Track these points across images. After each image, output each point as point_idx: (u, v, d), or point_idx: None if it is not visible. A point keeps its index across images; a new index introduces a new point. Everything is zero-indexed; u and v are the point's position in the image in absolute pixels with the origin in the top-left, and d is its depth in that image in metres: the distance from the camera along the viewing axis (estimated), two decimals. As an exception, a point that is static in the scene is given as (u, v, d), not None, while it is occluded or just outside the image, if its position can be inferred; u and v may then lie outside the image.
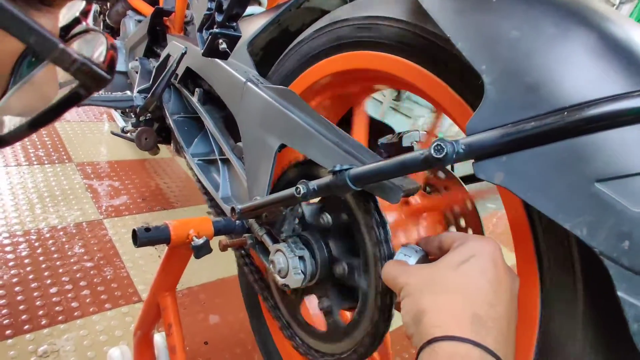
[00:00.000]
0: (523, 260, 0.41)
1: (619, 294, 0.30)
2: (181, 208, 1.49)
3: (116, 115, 1.31)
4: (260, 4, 1.00)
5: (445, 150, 0.34)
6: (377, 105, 2.88)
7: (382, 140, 0.74)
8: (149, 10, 1.12)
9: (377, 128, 0.76)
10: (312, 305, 0.68)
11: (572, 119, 0.31)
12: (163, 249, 1.28)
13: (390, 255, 0.47)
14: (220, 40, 0.57)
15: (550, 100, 0.33)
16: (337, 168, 0.43)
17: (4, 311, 0.95)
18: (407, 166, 0.38)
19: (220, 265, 1.25)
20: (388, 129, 0.79)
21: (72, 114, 1.90)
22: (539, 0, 0.37)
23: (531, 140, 0.33)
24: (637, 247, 0.29)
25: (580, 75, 0.33)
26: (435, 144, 0.35)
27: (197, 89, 0.83)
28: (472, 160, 0.36)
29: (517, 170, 0.33)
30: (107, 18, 1.36)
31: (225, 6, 0.55)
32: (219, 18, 0.56)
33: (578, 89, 0.32)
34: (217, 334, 1.04)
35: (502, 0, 0.38)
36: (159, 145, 1.10)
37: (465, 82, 0.43)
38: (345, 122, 0.74)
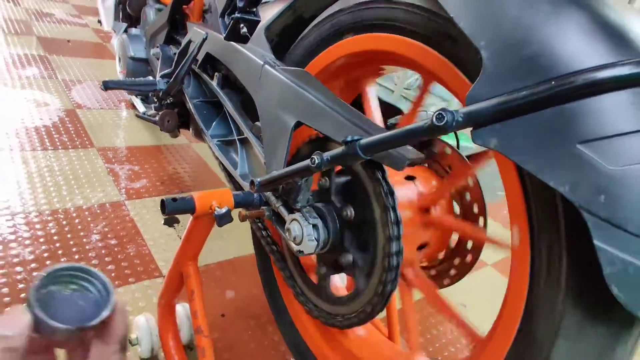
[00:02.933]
0: (515, 218, 0.45)
1: (595, 242, 0.34)
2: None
3: (137, 101, 1.37)
4: (275, -8, 1.04)
5: (445, 119, 0.39)
6: (388, 93, 2.90)
7: (392, 120, 0.78)
8: (168, -2, 1.16)
9: (388, 110, 0.81)
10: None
11: (559, 87, 0.35)
12: (181, 229, 1.35)
13: (397, 221, 0.52)
14: (241, 25, 0.61)
15: (541, 71, 0.37)
16: (349, 139, 0.47)
17: (37, 282, 1.02)
18: (412, 134, 0.42)
19: (235, 244, 1.31)
20: (397, 111, 0.83)
21: (92, 101, 1.97)
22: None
23: (523, 108, 0.37)
24: (612, 201, 0.33)
25: (569, 49, 0.37)
26: (436, 113, 0.39)
27: (216, 74, 0.88)
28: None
29: (510, 136, 0.37)
30: (127, 7, 1.42)
31: (246, -8, 0.59)
32: (240, 4, 0.60)
33: (566, 61, 0.36)
34: (233, 308, 1.10)
35: (501, -17, 0.41)
36: (179, 130, 1.16)
37: (465, 58, 0.47)
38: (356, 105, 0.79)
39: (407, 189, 0.63)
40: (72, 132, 1.69)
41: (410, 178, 0.66)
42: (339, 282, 0.88)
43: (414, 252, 0.66)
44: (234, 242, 1.33)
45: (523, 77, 0.37)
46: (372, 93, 0.68)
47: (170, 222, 1.34)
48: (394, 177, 0.61)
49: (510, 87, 0.38)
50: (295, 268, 0.70)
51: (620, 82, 0.35)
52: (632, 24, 0.39)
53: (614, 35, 0.37)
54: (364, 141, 0.46)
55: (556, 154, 0.35)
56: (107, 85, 0.92)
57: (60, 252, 1.13)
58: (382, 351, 0.77)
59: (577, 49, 0.36)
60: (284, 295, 0.83)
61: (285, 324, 0.82)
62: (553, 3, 0.38)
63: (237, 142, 0.84)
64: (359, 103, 0.79)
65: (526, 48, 0.38)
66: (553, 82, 0.35)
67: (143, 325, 0.88)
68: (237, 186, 0.82)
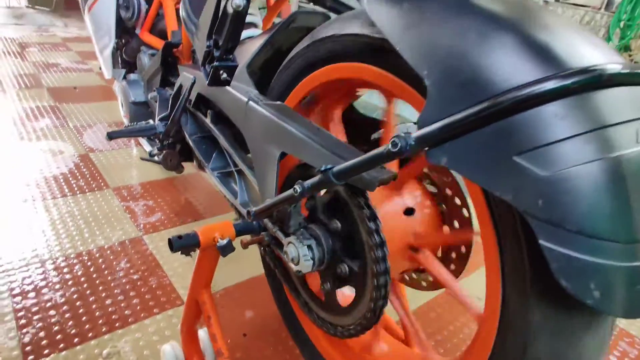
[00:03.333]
0: (483, 225, 0.49)
1: (540, 241, 0.38)
2: (210, 218, 1.62)
3: (143, 141, 1.45)
4: (256, 26, 1.10)
5: (399, 145, 0.43)
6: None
7: (375, 135, 0.83)
8: (159, 44, 1.24)
9: (373, 125, 0.85)
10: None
11: (492, 107, 0.39)
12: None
13: (382, 243, 0.56)
14: (221, 72, 0.67)
15: (475, 94, 0.41)
16: (323, 168, 0.52)
17: (70, 323, 1.10)
18: (375, 160, 0.47)
19: (250, 265, 1.37)
20: (381, 125, 0.88)
21: (104, 143, 2.08)
22: (464, 12, 0.45)
23: (464, 128, 0.41)
24: (549, 203, 0.37)
25: (498, 71, 0.41)
26: (391, 140, 0.44)
27: (209, 111, 0.94)
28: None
29: (457, 154, 0.42)
30: (123, 54, 1.50)
31: (220, 43, 0.65)
32: (216, 53, 0.66)
33: (497, 82, 0.41)
34: (253, 326, 1.15)
35: (436, 17, 0.46)
36: (183, 163, 1.23)
37: (419, 82, 0.52)
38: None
39: (406, 225, 0.66)
40: (88, 176, 1.79)
41: (409, 211, 0.68)
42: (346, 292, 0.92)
43: (397, 274, 0.69)
44: (248, 263, 1.38)
45: (461, 101, 0.42)
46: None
47: (187, 251, 1.40)
48: (393, 211, 0.65)
49: (452, 110, 0.42)
50: (299, 282, 0.75)
51: (546, 96, 0.39)
52: (558, 38, 0.43)
53: (539, 52, 0.41)
54: (336, 169, 0.51)
55: (498, 166, 0.40)
56: (111, 136, 1.00)
57: (88, 292, 1.20)
58: (398, 357, 0.80)
59: (505, 70, 0.41)
60: (297, 312, 0.88)
61: (300, 337, 0.86)
62: (480, 31, 0.43)
63: (235, 173, 0.90)
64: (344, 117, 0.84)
65: (460, 74, 0.42)
66: (486, 103, 0.40)
67: (169, 353, 0.94)
68: (239, 214, 0.88)
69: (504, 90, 0.39)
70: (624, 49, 4.88)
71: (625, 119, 0.39)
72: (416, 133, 0.43)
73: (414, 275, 0.80)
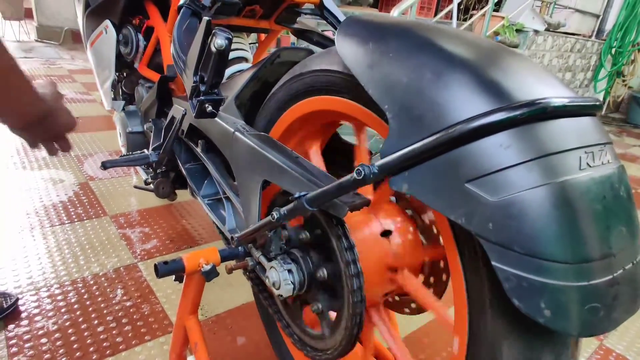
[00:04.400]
0: (448, 244, 0.52)
1: (493, 262, 0.40)
2: (205, 244, 1.64)
3: (139, 169, 1.49)
4: (247, 61, 1.16)
5: (363, 173, 0.46)
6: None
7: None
8: (156, 77, 1.30)
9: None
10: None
11: (444, 138, 0.43)
12: (191, 283, 1.42)
13: (358, 274, 0.57)
14: (207, 105, 0.71)
15: (431, 125, 0.44)
16: (297, 195, 0.55)
17: (61, 351, 1.10)
18: (343, 187, 0.50)
19: (243, 291, 1.38)
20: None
21: (103, 172, 2.12)
22: (421, 52, 0.49)
23: (420, 157, 0.44)
24: (498, 227, 0.40)
25: (451, 104, 0.44)
26: (356, 169, 0.47)
27: (200, 141, 0.98)
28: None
29: (415, 181, 0.45)
30: (123, 87, 1.57)
31: (206, 79, 0.69)
32: (202, 88, 0.70)
33: (449, 115, 0.44)
34: (245, 353, 1.15)
35: (396, 56, 0.50)
36: (177, 190, 1.26)
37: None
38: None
39: (382, 247, 0.66)
40: (86, 203, 1.82)
41: (387, 233, 0.68)
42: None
43: (379, 297, 0.71)
44: (242, 289, 1.39)
45: (418, 132, 0.45)
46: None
47: (180, 278, 1.42)
48: (370, 233, 0.67)
49: (411, 141, 0.45)
50: (282, 306, 0.77)
51: (493, 127, 0.42)
52: (508, 74, 0.46)
53: (489, 87, 0.44)
54: (309, 196, 0.54)
55: (451, 192, 0.42)
56: (105, 166, 1.04)
57: (80, 319, 1.21)
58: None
59: (457, 103, 0.44)
60: (286, 339, 0.89)
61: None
62: (435, 68, 0.46)
63: (224, 199, 0.93)
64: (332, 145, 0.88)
65: (417, 108, 0.46)
66: (439, 134, 0.43)
67: (158, 380, 0.94)
68: (226, 240, 0.90)
69: (455, 122, 0.43)
70: (617, 74, 4.99)
71: (569, 147, 0.42)
72: (379, 162, 0.47)
73: (397, 299, 0.81)
